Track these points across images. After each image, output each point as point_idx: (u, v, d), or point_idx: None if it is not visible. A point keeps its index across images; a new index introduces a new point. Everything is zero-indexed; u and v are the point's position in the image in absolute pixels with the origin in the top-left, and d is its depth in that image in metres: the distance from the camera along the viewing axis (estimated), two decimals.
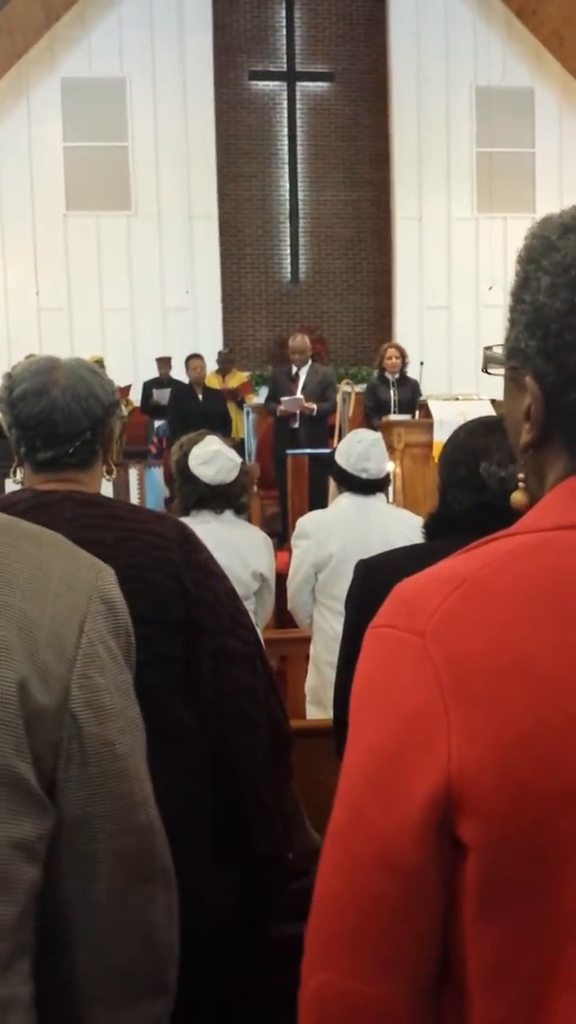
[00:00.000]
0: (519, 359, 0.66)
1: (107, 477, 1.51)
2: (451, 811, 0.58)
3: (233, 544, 2.67)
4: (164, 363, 9.16)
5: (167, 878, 0.84)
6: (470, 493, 1.59)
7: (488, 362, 0.72)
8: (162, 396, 8.62)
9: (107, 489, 1.54)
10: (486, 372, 0.74)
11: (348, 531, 2.93)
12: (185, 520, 2.55)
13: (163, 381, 8.96)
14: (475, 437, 1.62)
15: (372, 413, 6.84)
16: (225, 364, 9.36)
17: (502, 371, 0.70)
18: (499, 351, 0.70)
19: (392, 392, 6.89)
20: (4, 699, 0.69)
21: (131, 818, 0.78)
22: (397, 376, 6.96)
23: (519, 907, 0.57)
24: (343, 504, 3.05)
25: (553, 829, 0.56)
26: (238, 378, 9.31)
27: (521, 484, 0.70)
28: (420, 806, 0.58)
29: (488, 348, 0.72)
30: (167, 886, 0.84)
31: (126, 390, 8.93)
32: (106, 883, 0.76)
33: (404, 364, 7.04)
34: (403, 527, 2.80)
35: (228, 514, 2.72)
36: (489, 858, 0.57)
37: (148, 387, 9.04)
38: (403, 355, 7.05)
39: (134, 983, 0.79)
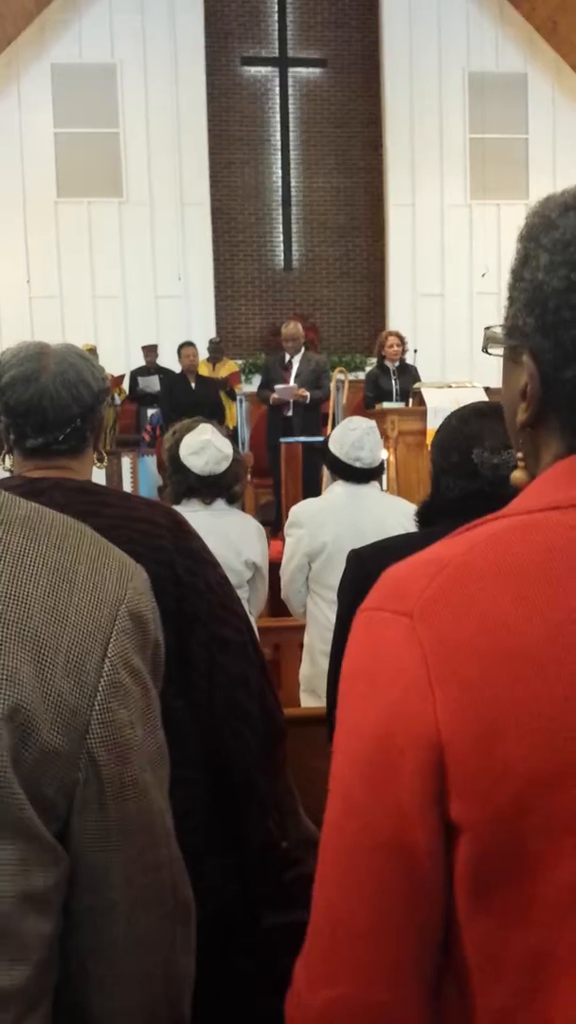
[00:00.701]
0: (517, 337, 0.66)
1: (98, 464, 1.49)
2: (443, 791, 0.58)
3: (225, 532, 2.66)
4: (150, 351, 9.13)
5: (187, 910, 0.79)
6: (463, 479, 1.58)
7: (488, 341, 0.72)
8: (148, 384, 8.59)
9: (100, 477, 1.52)
10: (486, 352, 0.73)
11: (341, 520, 2.91)
12: (176, 508, 2.54)
13: (150, 368, 8.93)
14: (468, 423, 1.61)
15: (373, 402, 6.74)
16: (216, 353, 9.34)
17: (501, 351, 0.70)
18: (499, 331, 0.70)
19: (393, 380, 6.83)
20: None
21: (152, 857, 0.72)
22: (397, 364, 6.91)
23: (509, 889, 0.57)
24: (336, 492, 3.04)
25: (539, 809, 0.56)
26: (228, 367, 9.29)
27: (520, 463, 0.70)
28: (412, 786, 0.58)
29: (488, 328, 0.72)
30: (187, 920, 0.79)
31: (119, 379, 8.90)
32: (124, 928, 0.71)
33: (404, 351, 6.99)
34: (397, 515, 2.79)
35: (219, 503, 2.70)
36: (477, 839, 0.57)
37: (134, 375, 9.01)
38: (403, 342, 6.99)
39: (152, 1020, 0.76)
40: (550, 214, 0.64)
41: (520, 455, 0.70)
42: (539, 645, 0.57)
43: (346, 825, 0.61)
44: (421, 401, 6.26)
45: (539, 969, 0.56)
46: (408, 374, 6.91)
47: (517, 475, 0.70)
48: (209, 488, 2.65)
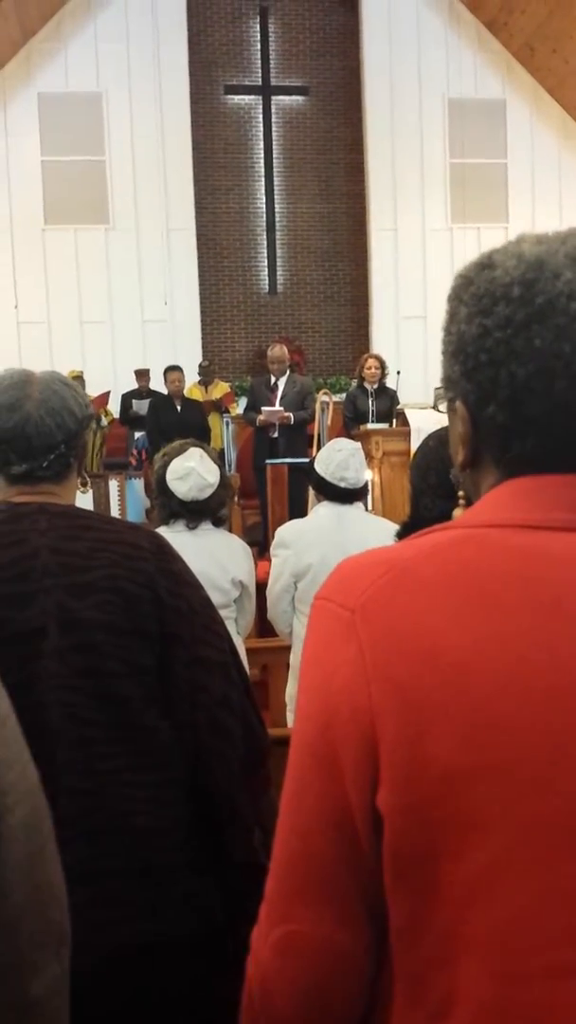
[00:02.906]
0: (451, 387, 0.74)
1: (82, 490, 1.52)
2: (376, 780, 0.63)
3: (211, 552, 2.69)
4: (142, 375, 9.17)
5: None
6: (441, 500, 1.61)
7: (436, 400, 0.79)
8: (141, 407, 8.62)
9: (87, 501, 1.55)
10: (436, 410, 0.81)
11: (327, 540, 2.94)
12: (161, 530, 2.57)
13: (142, 392, 8.97)
14: (445, 445, 1.63)
15: (351, 423, 6.93)
16: (207, 376, 9.41)
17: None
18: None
19: (371, 402, 6.97)
20: None
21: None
22: (376, 386, 7.05)
23: (421, 874, 0.63)
24: (321, 513, 3.07)
25: (453, 802, 0.61)
26: (221, 388, 9.36)
27: (462, 502, 0.78)
28: (353, 775, 0.64)
29: (438, 388, 0.79)
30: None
31: (104, 397, 8.92)
32: None
33: (383, 374, 7.13)
34: (381, 535, 2.82)
35: (205, 524, 2.73)
36: (394, 826, 0.63)
37: (127, 399, 9.05)
38: (382, 365, 7.14)
39: None
40: (468, 273, 0.72)
41: (461, 494, 0.78)
42: (464, 654, 0.62)
43: (302, 799, 0.68)
44: (405, 422, 6.32)
45: (448, 943, 0.63)
46: (386, 396, 7.05)
47: (458, 512, 0.77)
48: (192, 514, 2.68)
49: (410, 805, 0.62)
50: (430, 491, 1.63)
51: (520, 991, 0.60)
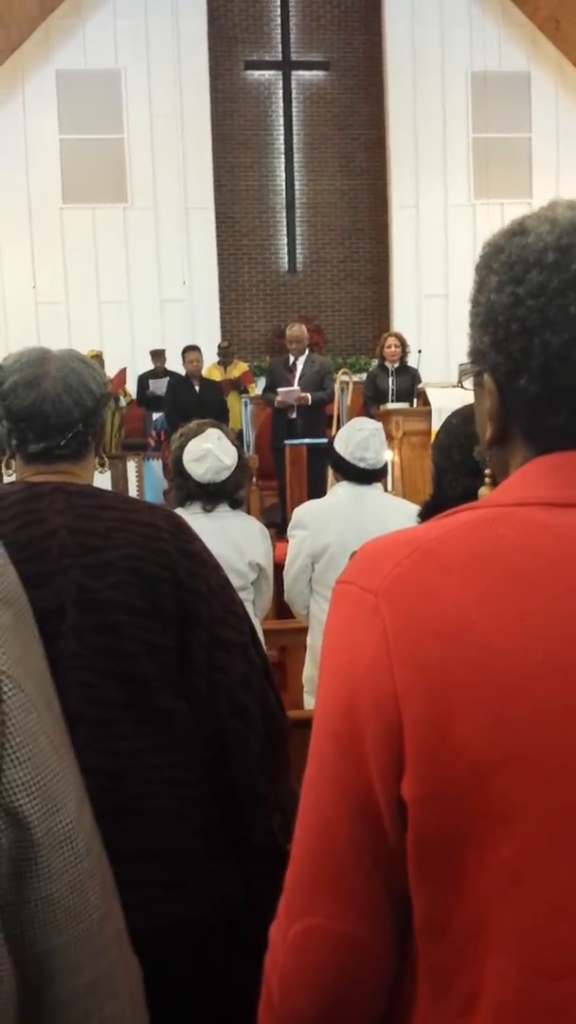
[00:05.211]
0: (479, 360, 0.71)
1: (99, 469, 1.50)
2: (402, 765, 0.61)
3: (228, 534, 2.67)
4: (158, 355, 9.15)
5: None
6: (465, 478, 1.58)
7: (461, 375, 0.76)
8: (158, 387, 8.60)
9: (105, 481, 1.53)
10: (461, 386, 0.78)
11: (344, 520, 2.92)
12: (178, 512, 2.55)
13: (158, 372, 8.95)
14: (469, 422, 1.61)
15: (371, 402, 6.88)
16: (226, 356, 9.38)
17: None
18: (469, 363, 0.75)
19: (391, 381, 6.92)
20: None
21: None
22: (397, 365, 7.00)
23: (447, 865, 0.61)
24: (340, 493, 3.04)
25: (481, 792, 0.59)
26: (239, 368, 9.33)
27: (488, 480, 0.75)
28: (377, 760, 0.62)
29: (462, 364, 0.76)
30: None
31: (122, 375, 8.89)
32: None
33: (404, 353, 7.08)
34: (400, 516, 2.79)
35: (223, 506, 2.71)
36: (421, 815, 0.61)
37: (143, 379, 9.04)
38: (403, 344, 7.09)
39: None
40: (498, 240, 0.70)
41: (488, 471, 0.75)
42: (493, 636, 0.60)
43: (323, 787, 0.66)
44: (426, 401, 6.26)
45: (474, 938, 0.61)
46: (407, 374, 7.00)
47: (484, 491, 0.74)
48: (208, 496, 2.65)
49: (436, 792, 0.60)
50: (453, 469, 1.61)
51: (548, 986, 0.59)
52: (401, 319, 10.48)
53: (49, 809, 0.66)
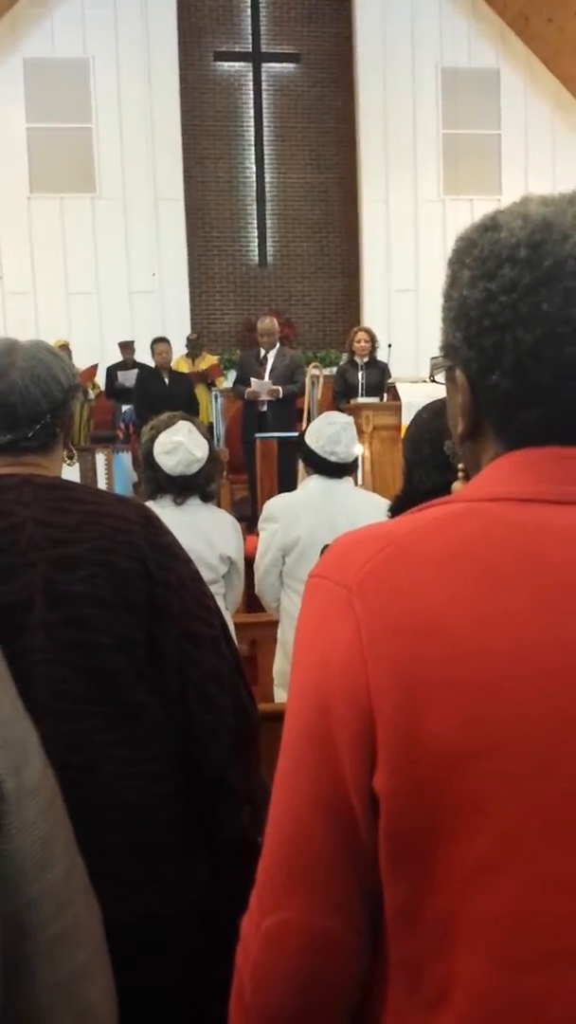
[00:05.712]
0: (451, 354, 0.71)
1: (68, 462, 1.49)
2: (373, 761, 0.61)
3: (199, 528, 2.66)
4: (127, 347, 9.08)
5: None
6: (435, 472, 1.58)
7: (433, 369, 0.76)
8: (127, 378, 8.54)
9: (74, 474, 1.51)
10: (433, 380, 0.77)
11: (315, 514, 2.92)
12: (149, 504, 2.53)
13: (127, 364, 8.88)
14: (439, 416, 1.62)
15: (340, 396, 6.89)
16: (195, 349, 9.33)
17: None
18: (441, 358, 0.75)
19: (360, 375, 6.93)
20: None
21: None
22: (366, 359, 7.01)
23: (418, 858, 0.61)
24: (310, 487, 3.04)
25: (453, 786, 0.59)
26: (208, 361, 9.29)
27: (461, 474, 0.75)
28: (349, 755, 0.62)
29: (433, 358, 0.75)
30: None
31: (92, 370, 8.82)
32: None
33: (373, 348, 7.09)
34: (370, 509, 2.80)
35: (193, 499, 2.70)
36: (392, 809, 0.61)
37: (112, 371, 8.97)
38: (372, 339, 7.10)
39: None
40: (471, 235, 0.69)
41: (461, 466, 0.75)
42: (464, 631, 0.60)
43: (295, 781, 0.65)
44: (396, 396, 6.27)
45: (446, 930, 0.61)
46: (376, 369, 7.01)
47: (457, 486, 0.74)
48: (179, 488, 2.64)
49: (408, 787, 0.60)
50: (423, 463, 1.61)
51: (521, 978, 0.59)
52: (371, 313, 10.49)
53: (19, 765, 0.68)
